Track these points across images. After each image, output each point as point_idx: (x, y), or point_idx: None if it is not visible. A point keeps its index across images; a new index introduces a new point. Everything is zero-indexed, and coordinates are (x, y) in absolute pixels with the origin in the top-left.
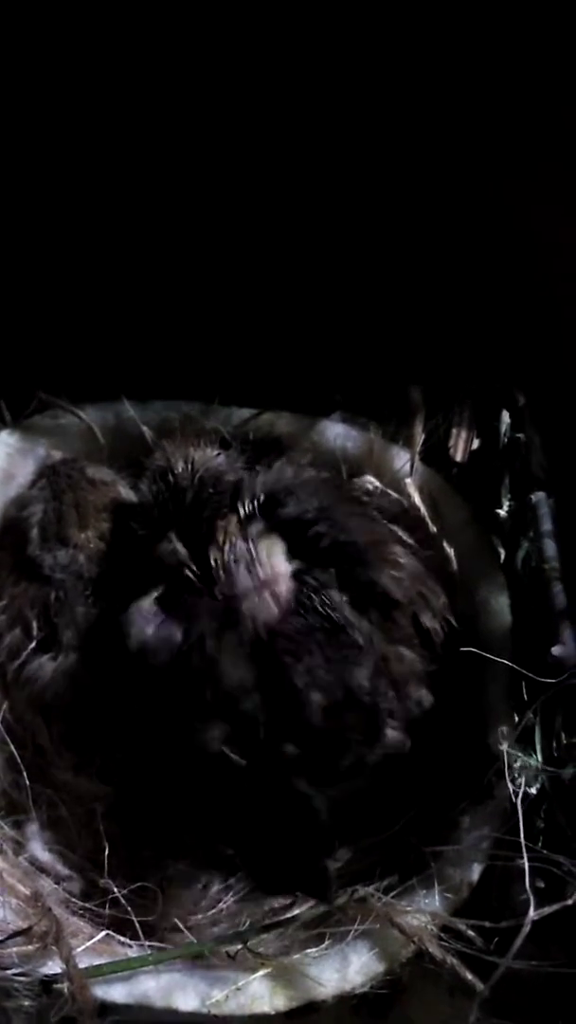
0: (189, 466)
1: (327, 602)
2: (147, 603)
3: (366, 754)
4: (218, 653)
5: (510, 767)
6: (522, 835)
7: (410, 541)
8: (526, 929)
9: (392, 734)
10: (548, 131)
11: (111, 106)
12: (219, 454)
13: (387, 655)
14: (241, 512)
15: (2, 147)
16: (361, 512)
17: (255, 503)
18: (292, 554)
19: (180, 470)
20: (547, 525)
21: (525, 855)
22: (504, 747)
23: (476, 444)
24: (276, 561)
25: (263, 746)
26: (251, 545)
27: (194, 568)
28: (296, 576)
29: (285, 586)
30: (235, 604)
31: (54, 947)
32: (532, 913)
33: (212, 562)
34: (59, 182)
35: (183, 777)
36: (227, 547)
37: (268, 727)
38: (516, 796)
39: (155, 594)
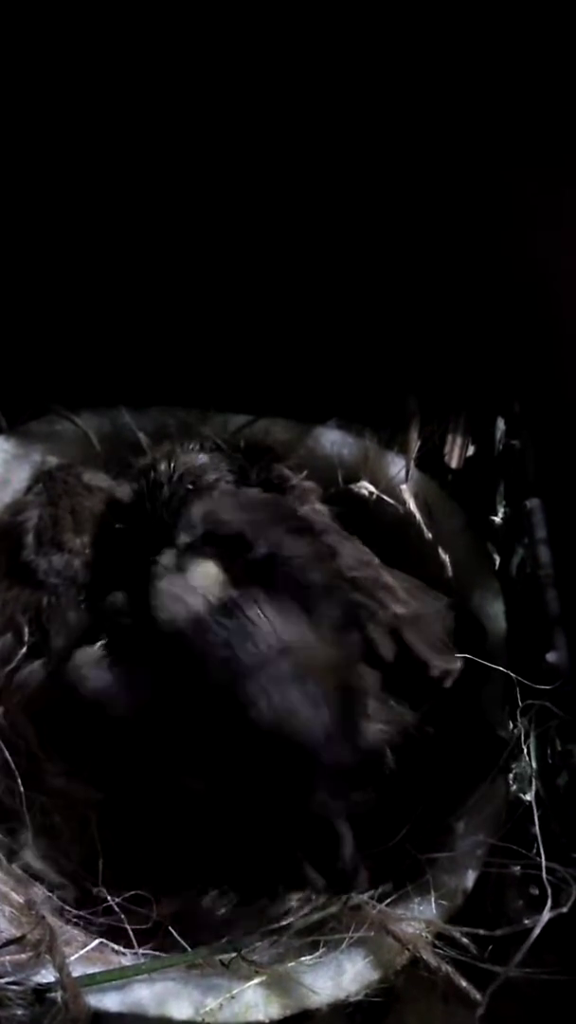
0: (171, 464)
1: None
2: (92, 650)
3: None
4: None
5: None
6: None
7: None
8: (534, 935)
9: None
10: (549, 137)
11: (110, 114)
12: (203, 454)
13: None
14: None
15: (1, 152)
16: (305, 528)
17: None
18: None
19: (163, 468)
20: (541, 532)
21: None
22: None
23: (471, 451)
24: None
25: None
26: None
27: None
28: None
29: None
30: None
31: (47, 955)
32: (543, 917)
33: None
34: (57, 187)
35: (175, 789)
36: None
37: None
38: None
39: (101, 642)
